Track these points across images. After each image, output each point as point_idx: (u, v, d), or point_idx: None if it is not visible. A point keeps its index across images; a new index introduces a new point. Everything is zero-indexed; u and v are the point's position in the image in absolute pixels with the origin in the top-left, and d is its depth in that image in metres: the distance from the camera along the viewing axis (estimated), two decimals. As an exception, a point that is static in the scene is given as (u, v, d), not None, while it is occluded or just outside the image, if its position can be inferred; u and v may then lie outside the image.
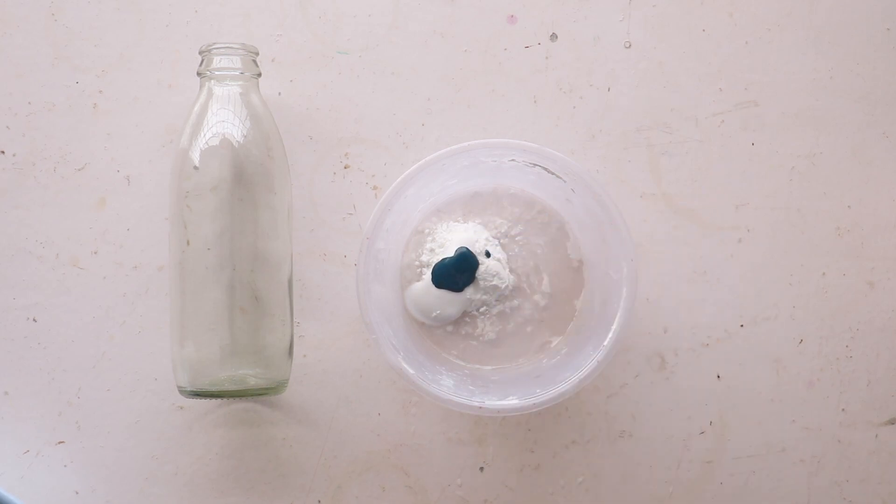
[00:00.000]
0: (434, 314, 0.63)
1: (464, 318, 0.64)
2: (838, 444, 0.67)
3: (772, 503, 0.67)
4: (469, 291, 0.63)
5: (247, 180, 0.61)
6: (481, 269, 0.63)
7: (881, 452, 0.67)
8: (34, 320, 0.65)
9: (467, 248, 0.63)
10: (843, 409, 0.67)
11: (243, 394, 0.61)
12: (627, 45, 0.67)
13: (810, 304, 0.67)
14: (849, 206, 0.67)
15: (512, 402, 0.60)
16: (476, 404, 0.60)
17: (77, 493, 0.64)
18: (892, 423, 0.67)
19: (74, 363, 0.65)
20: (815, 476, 0.67)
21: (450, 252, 0.63)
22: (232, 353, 0.60)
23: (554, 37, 0.67)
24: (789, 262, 0.67)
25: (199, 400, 0.64)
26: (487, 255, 0.63)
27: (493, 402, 0.60)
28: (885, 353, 0.67)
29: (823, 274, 0.67)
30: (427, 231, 0.65)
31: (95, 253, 0.65)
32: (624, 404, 0.66)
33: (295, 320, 0.65)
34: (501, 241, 0.65)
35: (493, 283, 0.63)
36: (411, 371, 0.60)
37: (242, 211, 0.61)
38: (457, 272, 0.63)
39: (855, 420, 0.67)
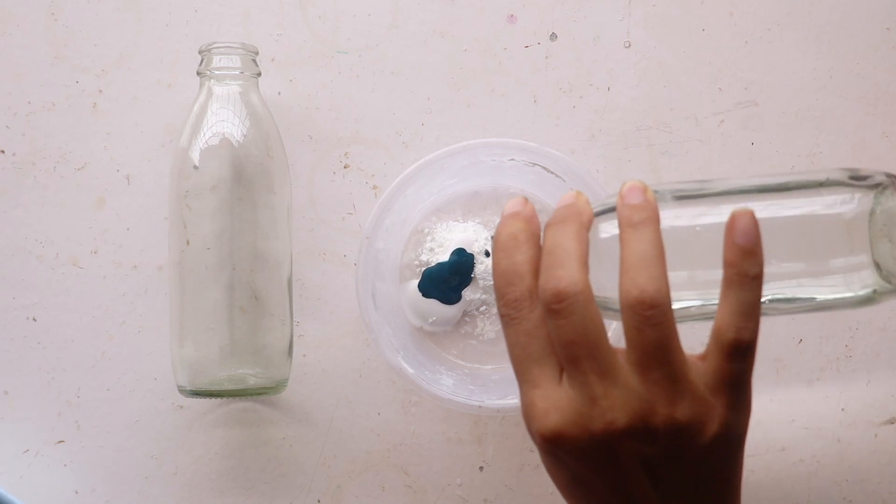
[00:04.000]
0: (431, 319, 0.63)
1: (464, 317, 0.64)
2: (838, 444, 0.67)
3: (772, 503, 0.66)
4: (468, 291, 0.63)
5: (246, 180, 0.61)
6: (481, 268, 0.63)
7: (881, 452, 0.67)
8: (34, 320, 0.65)
9: (463, 249, 0.63)
10: (842, 409, 0.67)
11: (243, 393, 0.61)
12: (627, 45, 0.67)
13: (810, 303, 0.67)
14: (849, 206, 0.67)
15: (512, 401, 0.60)
16: (476, 404, 0.60)
17: (77, 492, 0.64)
18: (892, 423, 0.67)
19: (74, 363, 0.65)
20: (814, 476, 0.67)
21: (447, 254, 0.63)
22: (231, 352, 0.60)
23: (554, 36, 0.67)
24: (789, 261, 0.67)
25: (198, 399, 0.64)
26: (487, 254, 0.63)
27: (493, 401, 0.60)
28: (885, 352, 0.67)
29: (823, 274, 0.67)
30: (427, 231, 0.65)
31: (95, 252, 0.65)
32: (624, 404, 0.66)
33: (294, 320, 0.64)
34: (501, 240, 0.65)
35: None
36: (411, 371, 0.60)
37: (242, 211, 0.60)
38: (453, 275, 0.63)
39: (855, 420, 0.67)
